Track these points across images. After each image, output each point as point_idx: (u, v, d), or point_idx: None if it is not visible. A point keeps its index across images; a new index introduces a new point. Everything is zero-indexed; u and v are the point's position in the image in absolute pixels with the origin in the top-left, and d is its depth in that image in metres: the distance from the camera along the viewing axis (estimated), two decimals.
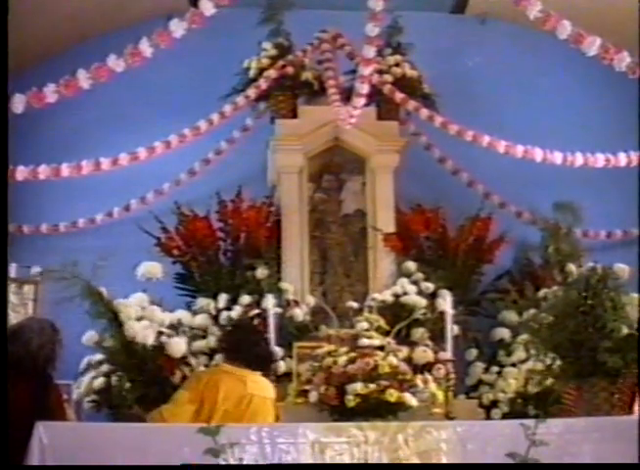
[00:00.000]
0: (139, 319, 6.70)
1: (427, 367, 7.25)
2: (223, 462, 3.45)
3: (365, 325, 7.36)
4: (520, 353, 7.64)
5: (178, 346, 6.67)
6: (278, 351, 7.14)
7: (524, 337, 6.13)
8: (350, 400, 6.23)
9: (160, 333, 6.76)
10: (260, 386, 5.34)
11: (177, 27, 6.02)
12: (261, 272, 7.86)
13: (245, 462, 3.63)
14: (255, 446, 3.78)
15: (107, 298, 6.58)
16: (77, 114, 8.47)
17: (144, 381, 6.46)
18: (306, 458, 3.81)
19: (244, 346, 5.39)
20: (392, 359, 6.58)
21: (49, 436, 3.71)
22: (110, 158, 8.02)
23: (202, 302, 7.84)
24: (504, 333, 8.06)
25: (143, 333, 6.57)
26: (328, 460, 3.82)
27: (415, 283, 7.99)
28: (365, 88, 7.03)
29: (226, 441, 3.43)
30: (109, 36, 8.42)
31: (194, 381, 5.40)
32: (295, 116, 8.57)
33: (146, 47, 6.12)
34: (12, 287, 7.42)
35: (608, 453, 3.93)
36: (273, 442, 3.82)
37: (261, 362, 5.49)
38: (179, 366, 6.64)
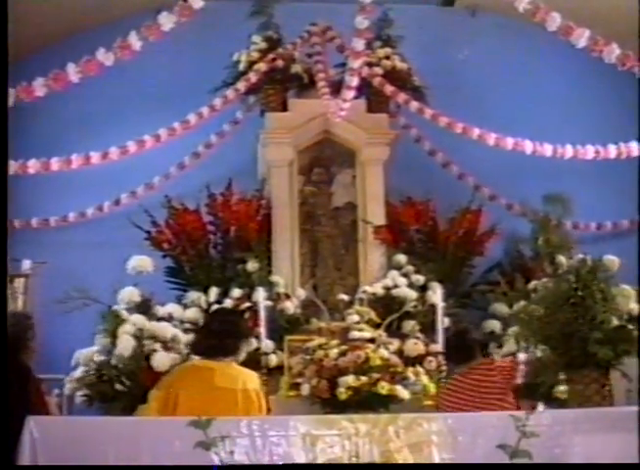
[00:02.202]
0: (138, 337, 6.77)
1: (418, 360, 7.27)
2: (214, 455, 3.46)
3: (356, 318, 7.38)
4: (510, 345, 7.63)
5: (162, 359, 6.64)
6: (269, 343, 7.16)
7: (514, 329, 6.13)
8: (342, 393, 6.21)
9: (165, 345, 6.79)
10: (230, 379, 5.02)
11: (166, 21, 6.03)
12: (252, 265, 7.85)
13: (236, 455, 3.63)
14: (246, 438, 3.77)
15: (122, 316, 6.69)
16: (67, 108, 8.46)
17: (133, 394, 6.45)
18: (297, 451, 3.81)
19: (216, 333, 5.13)
20: (384, 352, 6.57)
21: (40, 430, 3.69)
22: (99, 152, 8.02)
23: (192, 295, 7.82)
24: (495, 325, 8.05)
25: (126, 345, 6.63)
26: (319, 452, 3.82)
27: (405, 276, 8.01)
28: (355, 81, 7.02)
29: (217, 434, 3.44)
30: (98, 30, 8.39)
31: (164, 378, 5.30)
32: (285, 109, 8.56)
33: (135, 40, 6.11)
34: None
35: (598, 445, 3.92)
36: (264, 434, 3.81)
37: (233, 346, 5.15)
38: None
